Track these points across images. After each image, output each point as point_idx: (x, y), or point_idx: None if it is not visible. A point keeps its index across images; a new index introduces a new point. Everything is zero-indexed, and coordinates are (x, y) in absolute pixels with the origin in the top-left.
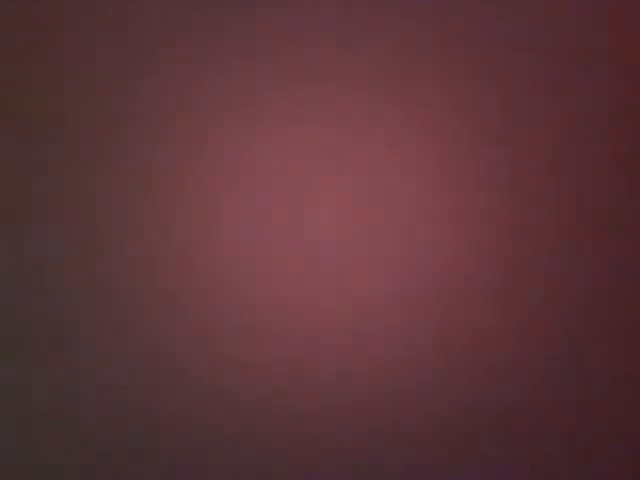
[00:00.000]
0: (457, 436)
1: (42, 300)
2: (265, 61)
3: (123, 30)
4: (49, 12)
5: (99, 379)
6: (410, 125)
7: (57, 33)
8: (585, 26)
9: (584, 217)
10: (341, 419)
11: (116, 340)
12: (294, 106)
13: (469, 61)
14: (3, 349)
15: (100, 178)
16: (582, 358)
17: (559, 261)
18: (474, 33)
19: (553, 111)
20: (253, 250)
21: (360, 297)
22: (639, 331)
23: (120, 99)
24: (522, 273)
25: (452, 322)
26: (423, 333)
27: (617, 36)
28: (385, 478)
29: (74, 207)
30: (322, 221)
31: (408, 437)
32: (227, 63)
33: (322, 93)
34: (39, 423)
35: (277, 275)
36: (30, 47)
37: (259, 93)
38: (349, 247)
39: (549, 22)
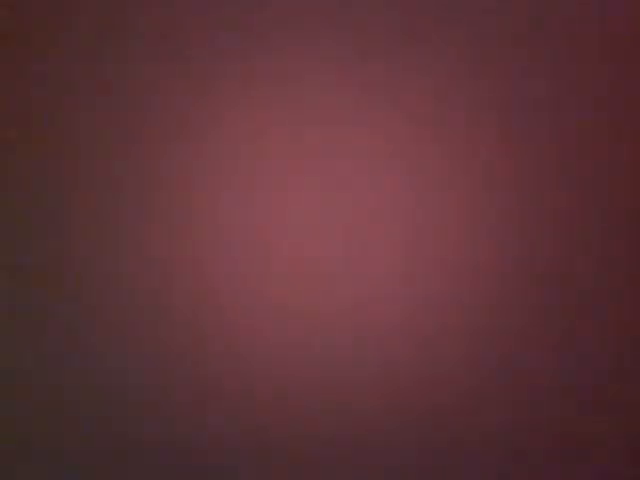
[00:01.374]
0: (457, 436)
1: (43, 298)
2: (264, 61)
3: (124, 28)
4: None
5: (98, 379)
6: (410, 125)
7: (59, 33)
8: (586, 24)
9: (585, 217)
10: (341, 419)
11: (115, 340)
12: (294, 105)
13: (470, 60)
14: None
15: (98, 177)
16: (583, 358)
17: (560, 261)
18: (475, 32)
19: (555, 110)
20: (253, 250)
21: (360, 297)
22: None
23: (119, 99)
24: (522, 273)
25: (452, 322)
26: (423, 333)
27: (617, 35)
28: (386, 477)
29: (72, 206)
30: (322, 221)
31: (408, 437)
32: (226, 63)
33: (323, 92)
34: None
35: (277, 275)
36: (28, 42)
37: (259, 93)
38: (349, 247)
39: (550, 19)
